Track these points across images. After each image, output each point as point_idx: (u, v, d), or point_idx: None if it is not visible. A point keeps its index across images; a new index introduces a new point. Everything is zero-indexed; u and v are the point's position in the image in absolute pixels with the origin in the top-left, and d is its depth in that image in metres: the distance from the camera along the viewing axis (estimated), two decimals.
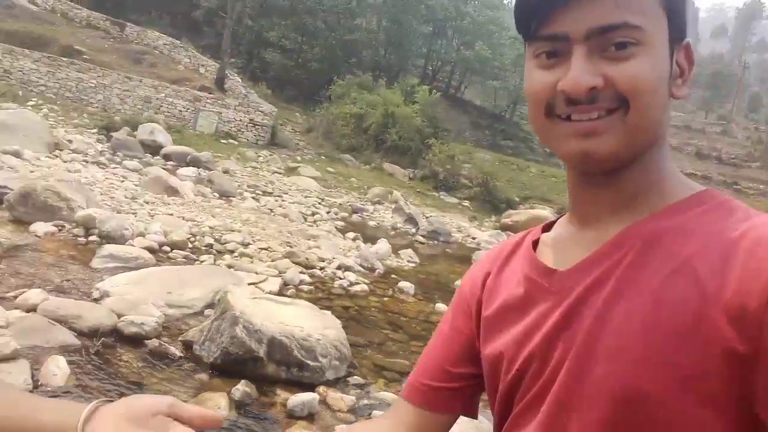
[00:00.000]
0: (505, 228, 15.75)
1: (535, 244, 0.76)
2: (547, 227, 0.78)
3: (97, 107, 19.10)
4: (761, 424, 0.51)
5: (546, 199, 19.45)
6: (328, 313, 4.98)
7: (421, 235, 12.36)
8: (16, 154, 9.19)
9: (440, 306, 6.69)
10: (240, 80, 23.22)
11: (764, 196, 27.40)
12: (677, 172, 0.67)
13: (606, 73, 0.59)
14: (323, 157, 20.12)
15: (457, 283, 8.27)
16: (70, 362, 3.34)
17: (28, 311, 3.80)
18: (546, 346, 0.64)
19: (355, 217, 12.81)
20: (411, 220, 13.22)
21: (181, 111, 19.91)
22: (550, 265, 0.69)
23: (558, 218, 0.78)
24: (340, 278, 6.82)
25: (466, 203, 18.54)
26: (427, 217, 14.37)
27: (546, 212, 16.45)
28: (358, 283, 6.78)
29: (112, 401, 0.61)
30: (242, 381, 3.63)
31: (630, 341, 0.56)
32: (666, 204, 0.64)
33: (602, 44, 0.59)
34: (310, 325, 4.21)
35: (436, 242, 12.26)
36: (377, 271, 7.77)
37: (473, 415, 0.84)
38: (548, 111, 0.63)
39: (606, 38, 0.59)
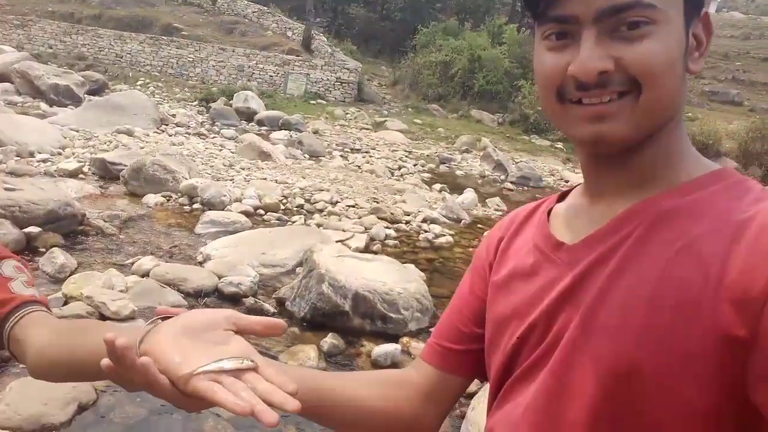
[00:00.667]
0: None
1: (550, 213, 0.76)
2: (562, 196, 0.78)
3: (197, 80, 20.27)
4: (750, 408, 0.52)
5: None
6: (411, 266, 5.16)
7: (510, 182, 12.14)
8: (129, 133, 10.11)
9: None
10: (326, 39, 23.46)
11: None
12: (692, 150, 0.66)
13: (617, 56, 0.58)
14: (410, 109, 20.06)
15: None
16: None
17: (142, 276, 4.33)
18: (548, 316, 0.65)
19: (442, 168, 12.80)
20: (500, 166, 12.98)
21: (271, 76, 20.61)
22: (559, 237, 0.70)
23: (574, 187, 0.78)
24: (426, 231, 6.96)
25: (559, 145, 17.76)
26: (516, 163, 14.03)
27: None
28: (443, 235, 6.88)
29: (170, 317, 0.64)
30: (330, 334, 3.92)
31: (630, 317, 0.57)
32: (679, 181, 0.63)
33: (613, 24, 0.58)
34: (392, 280, 4.41)
35: (525, 188, 12.00)
36: (463, 221, 7.82)
37: (487, 379, 0.83)
38: (560, 96, 0.62)
39: (617, 18, 0.57)
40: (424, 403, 0.82)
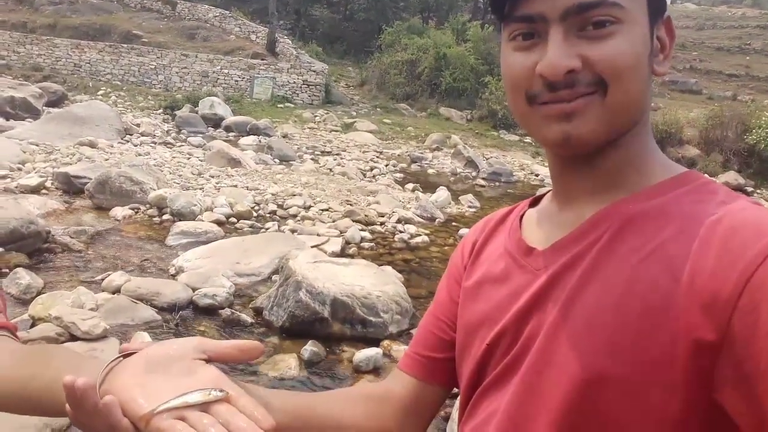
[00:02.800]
0: None
1: (522, 218, 0.76)
2: (535, 201, 0.78)
3: (160, 88, 19.89)
4: (718, 412, 0.51)
5: None
6: (388, 268, 5.13)
7: (482, 178, 12.24)
8: (92, 144, 9.85)
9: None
10: (290, 42, 23.28)
11: None
12: (658, 152, 0.66)
13: (584, 54, 0.58)
14: (378, 109, 20.05)
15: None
16: (153, 336, 3.69)
17: (113, 293, 4.20)
18: (517, 323, 0.65)
19: (414, 167, 12.83)
20: (471, 163, 13.07)
21: (237, 81, 20.35)
22: (530, 243, 0.69)
23: (546, 193, 0.77)
24: (401, 231, 6.95)
25: (528, 139, 17.96)
26: (487, 159, 14.16)
27: None
28: (418, 235, 6.88)
29: (134, 353, 0.59)
30: (310, 341, 3.87)
31: (597, 324, 0.56)
32: (646, 185, 0.63)
33: (580, 23, 0.58)
34: (370, 283, 4.38)
35: (497, 184, 12.11)
36: (437, 220, 7.84)
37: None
38: (529, 98, 0.62)
39: (584, 17, 0.58)
40: (407, 416, 0.80)
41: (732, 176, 14.75)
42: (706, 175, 0.68)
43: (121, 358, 0.59)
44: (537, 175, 13.65)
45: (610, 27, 0.57)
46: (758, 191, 14.72)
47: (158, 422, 0.51)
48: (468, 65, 20.29)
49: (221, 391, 0.53)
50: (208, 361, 0.58)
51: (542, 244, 0.68)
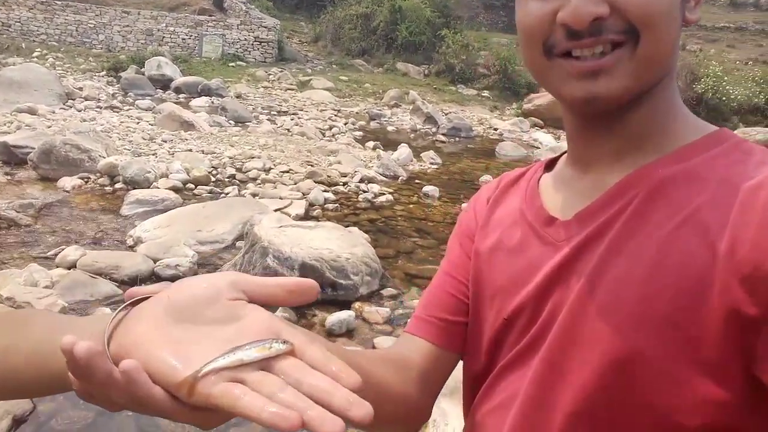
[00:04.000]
0: (527, 114, 15.33)
1: (539, 183, 0.70)
2: (549, 165, 0.72)
3: (101, 48, 18.77)
4: (761, 388, 0.48)
5: None
6: (355, 230, 5.07)
7: (442, 134, 12.19)
8: (31, 111, 9.25)
9: (466, 206, 6.71)
10: None
11: None
12: (685, 110, 0.61)
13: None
14: (334, 66, 19.56)
15: (484, 178, 8.18)
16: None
17: (69, 268, 4.00)
18: (537, 298, 0.61)
19: (373, 125, 12.65)
20: (430, 119, 12.97)
21: (184, 39, 19.40)
22: (550, 212, 0.64)
23: (561, 155, 0.72)
24: (364, 191, 6.86)
25: (486, 93, 17.97)
26: (446, 114, 14.08)
27: None
28: (382, 194, 6.82)
29: (145, 299, 0.45)
30: (280, 308, 3.79)
31: (628, 297, 0.52)
32: (675, 147, 0.57)
33: None
34: (338, 245, 4.31)
35: (457, 139, 12.09)
36: (400, 178, 7.78)
37: None
38: (547, 50, 0.56)
39: None
40: (425, 383, 0.70)
41: None
42: (737, 133, 0.59)
43: (129, 308, 0.45)
44: (496, 130, 13.69)
45: None
46: None
47: (207, 388, 0.38)
48: (424, 18, 19.91)
49: (284, 342, 0.40)
50: (249, 302, 0.45)
51: (564, 214, 0.62)
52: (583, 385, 0.54)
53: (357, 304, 4.01)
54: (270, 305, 0.45)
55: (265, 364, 0.40)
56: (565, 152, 0.71)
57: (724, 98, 15.75)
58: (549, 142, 11.94)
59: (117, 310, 0.44)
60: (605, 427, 0.54)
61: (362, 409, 0.37)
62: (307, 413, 0.36)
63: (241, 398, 0.37)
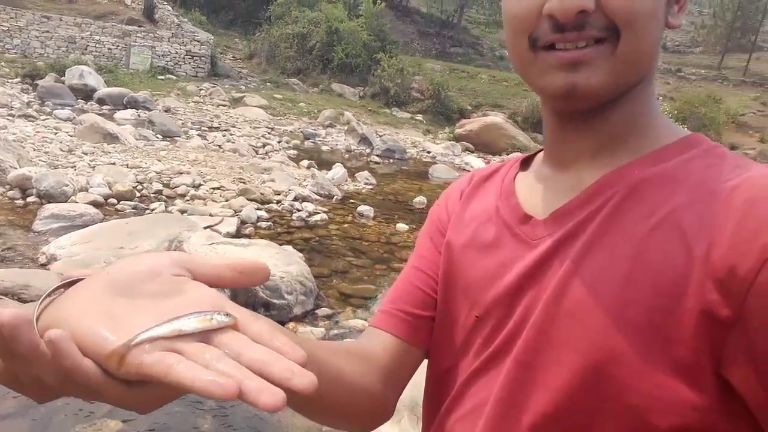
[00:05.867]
0: (459, 138, 15.75)
1: (514, 180, 0.70)
2: (524, 163, 0.72)
3: (16, 53, 17.61)
4: (730, 388, 0.48)
5: (498, 105, 19.37)
6: (289, 248, 4.95)
7: (376, 155, 12.27)
8: None
9: (401, 226, 6.75)
10: (171, 8, 21.64)
11: (705, 80, 27.94)
12: (660, 114, 0.61)
13: None
14: (269, 84, 19.34)
15: (417, 200, 8.26)
16: None
17: None
18: (512, 295, 0.59)
19: (307, 144, 12.55)
20: (365, 140, 13.04)
21: (110, 49, 18.57)
22: (525, 210, 0.63)
23: (537, 153, 0.72)
24: (298, 210, 6.74)
25: (419, 117, 18.33)
26: (380, 136, 14.20)
27: (499, 119, 16.45)
28: (317, 213, 6.73)
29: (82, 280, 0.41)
30: None
31: (604, 298, 0.51)
32: (651, 148, 0.58)
33: None
34: (272, 264, 4.17)
35: (391, 160, 12.21)
36: (335, 197, 7.72)
37: None
38: (532, 42, 0.56)
39: None
40: (389, 379, 0.68)
41: None
42: (705, 137, 0.60)
43: (63, 289, 0.41)
44: (429, 152, 13.95)
45: None
46: None
47: (138, 356, 0.34)
48: (360, 41, 20.14)
49: (227, 315, 0.37)
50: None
51: (540, 212, 0.62)
52: (559, 386, 0.53)
53: (291, 324, 3.88)
54: (216, 286, 0.42)
55: (204, 337, 0.36)
56: (541, 150, 0.70)
57: None
58: (479, 166, 12.26)
59: (48, 290, 0.40)
60: (579, 429, 0.53)
61: (305, 378, 0.34)
62: (245, 383, 0.33)
63: (174, 366, 0.34)
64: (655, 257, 0.50)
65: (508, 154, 14.03)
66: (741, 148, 17.96)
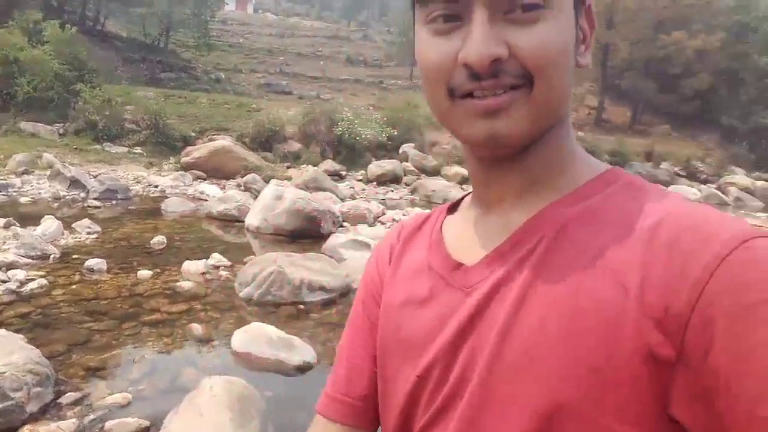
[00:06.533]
0: (188, 167, 14.99)
1: (442, 229, 0.69)
2: (452, 208, 0.72)
3: None
4: (680, 429, 0.48)
5: (223, 128, 18.94)
6: (4, 332, 3.99)
7: (94, 198, 10.86)
8: None
9: (143, 273, 6.09)
10: None
11: (402, 89, 32.10)
12: (580, 150, 0.63)
13: (511, 41, 0.52)
14: None
15: (156, 240, 7.53)
16: None
17: None
18: (450, 350, 0.58)
19: (1, 198, 10.42)
20: (76, 183, 11.43)
21: None
22: (455, 256, 0.63)
23: (464, 197, 0.72)
24: (4, 281, 5.53)
25: (138, 150, 16.81)
26: (95, 176, 12.62)
27: (227, 142, 16.15)
28: (31, 280, 5.62)
29: None
30: None
31: (546, 346, 0.51)
32: (573, 186, 0.59)
33: (507, 5, 0.52)
34: None
35: (114, 202, 10.96)
36: (52, 256, 6.57)
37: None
38: (450, 92, 0.56)
39: (507, 1, 0.52)
40: None
41: (329, 164, 17.08)
42: (624, 170, 0.62)
43: None
44: (156, 186, 12.93)
45: (539, 11, 0.53)
46: (350, 173, 17.48)
47: None
48: (51, 71, 17.50)
49: None
50: None
51: (470, 258, 0.61)
52: None
53: (27, 428, 3.12)
54: None
55: None
56: (468, 194, 0.70)
57: (358, 138, 18.39)
58: (216, 193, 11.83)
59: None
60: None
61: None
62: None
63: None
64: (592, 301, 0.50)
65: (242, 177, 13.86)
66: (440, 144, 21.10)
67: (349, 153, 18.60)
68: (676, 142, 28.98)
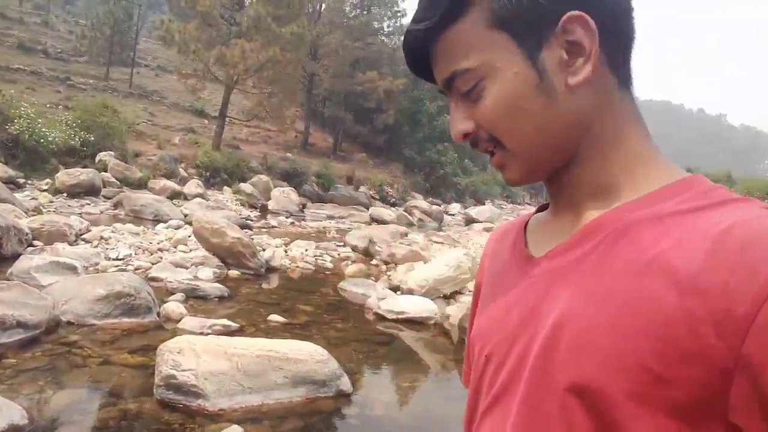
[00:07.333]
0: None
1: (526, 227, 0.74)
2: (542, 208, 0.76)
3: None
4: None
5: None
6: None
7: None
8: None
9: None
10: None
11: (96, 90, 28.41)
12: (659, 156, 0.62)
13: (473, 117, 0.61)
14: None
15: None
16: None
17: None
18: (510, 336, 0.62)
19: None
20: None
21: None
22: (529, 251, 0.68)
23: None
24: None
25: None
26: None
27: None
28: None
29: None
30: None
31: (594, 339, 0.52)
32: (646, 190, 0.59)
33: (457, 92, 0.62)
34: None
35: None
36: None
37: None
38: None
39: (455, 88, 0.62)
40: None
41: (2, 169, 13.85)
42: (703, 178, 0.59)
43: None
44: None
45: (478, 87, 0.60)
46: (30, 181, 14.52)
47: None
48: None
49: None
50: None
51: (539, 252, 0.66)
52: (556, 425, 0.54)
53: None
54: None
55: None
56: None
57: (42, 140, 15.44)
58: None
59: None
60: None
61: None
62: None
63: None
64: (646, 302, 0.50)
65: None
66: (144, 155, 19.24)
67: (29, 157, 15.45)
68: (371, 169, 32.64)
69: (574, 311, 0.55)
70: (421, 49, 0.63)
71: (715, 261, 0.48)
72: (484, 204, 34.04)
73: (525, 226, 0.74)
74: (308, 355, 4.14)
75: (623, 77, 0.61)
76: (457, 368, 5.51)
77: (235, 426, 3.36)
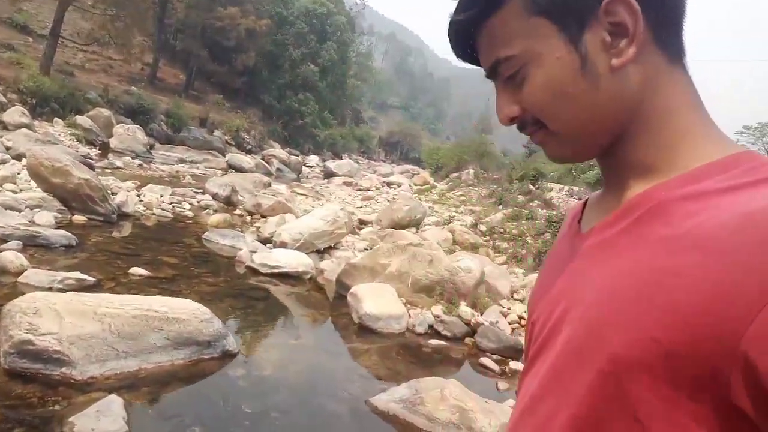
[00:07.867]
0: None
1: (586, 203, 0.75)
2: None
3: None
4: (743, 416, 0.47)
5: None
6: None
7: None
8: None
9: None
10: None
11: None
12: (712, 130, 0.60)
13: (519, 101, 0.63)
14: None
15: None
16: None
17: None
18: (550, 305, 0.65)
19: None
20: None
21: None
22: (581, 227, 0.70)
23: None
24: None
25: None
26: None
27: None
28: None
29: None
30: None
31: (618, 310, 0.54)
32: (684, 169, 0.58)
33: (503, 77, 0.63)
34: None
35: None
36: None
37: None
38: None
39: (500, 74, 0.63)
40: None
41: None
42: (754, 154, 0.56)
43: None
44: None
45: (520, 73, 0.61)
46: None
47: None
48: None
49: None
50: None
51: (586, 228, 0.68)
52: (579, 394, 0.56)
53: None
54: None
55: None
56: None
57: None
58: None
59: None
60: None
61: None
62: None
63: None
64: (670, 276, 0.50)
65: None
66: None
67: None
68: (227, 113, 30.76)
69: (605, 285, 0.56)
70: (465, 39, 0.65)
71: (746, 245, 0.47)
72: (341, 158, 34.08)
73: (586, 203, 0.75)
74: (191, 313, 3.77)
75: (672, 52, 0.59)
76: (336, 324, 5.46)
77: (113, 395, 2.94)
